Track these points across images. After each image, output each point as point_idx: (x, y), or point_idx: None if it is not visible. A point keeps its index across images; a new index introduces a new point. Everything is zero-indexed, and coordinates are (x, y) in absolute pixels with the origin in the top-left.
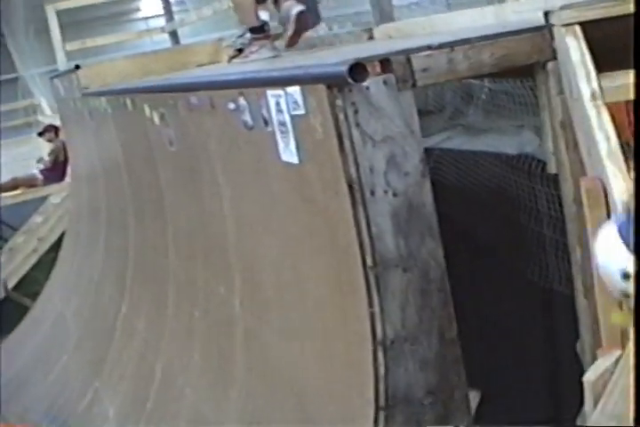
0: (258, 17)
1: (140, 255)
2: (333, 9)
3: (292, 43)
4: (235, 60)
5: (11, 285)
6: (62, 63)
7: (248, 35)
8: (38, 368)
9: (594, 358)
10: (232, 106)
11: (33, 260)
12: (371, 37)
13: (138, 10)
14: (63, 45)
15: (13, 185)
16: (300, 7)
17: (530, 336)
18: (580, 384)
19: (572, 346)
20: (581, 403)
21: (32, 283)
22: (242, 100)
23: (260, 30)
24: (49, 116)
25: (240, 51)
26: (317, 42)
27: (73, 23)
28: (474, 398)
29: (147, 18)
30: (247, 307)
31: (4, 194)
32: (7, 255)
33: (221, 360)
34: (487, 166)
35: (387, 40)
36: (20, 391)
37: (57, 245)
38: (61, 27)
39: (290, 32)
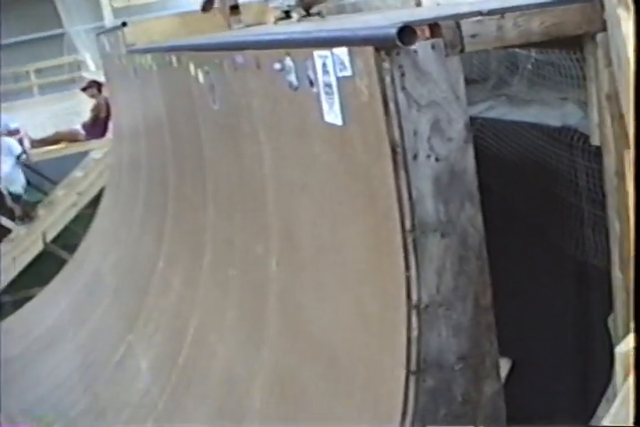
0: None
1: (178, 212)
2: None
3: None
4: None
5: (49, 237)
6: (109, 20)
7: None
8: (75, 319)
9: (626, 331)
10: (278, 66)
11: (72, 213)
12: (419, 4)
13: None
14: (110, 2)
15: (56, 139)
16: None
17: (562, 308)
18: (610, 357)
19: (604, 319)
20: (610, 376)
21: (70, 236)
22: (288, 61)
23: None
24: (93, 73)
25: (287, 13)
26: (364, 6)
27: None
28: (504, 365)
29: None
30: (283, 267)
31: (46, 148)
32: (47, 208)
33: (255, 319)
34: (529, 137)
35: (435, 7)
36: (53, 344)
37: (96, 201)
38: None
39: None
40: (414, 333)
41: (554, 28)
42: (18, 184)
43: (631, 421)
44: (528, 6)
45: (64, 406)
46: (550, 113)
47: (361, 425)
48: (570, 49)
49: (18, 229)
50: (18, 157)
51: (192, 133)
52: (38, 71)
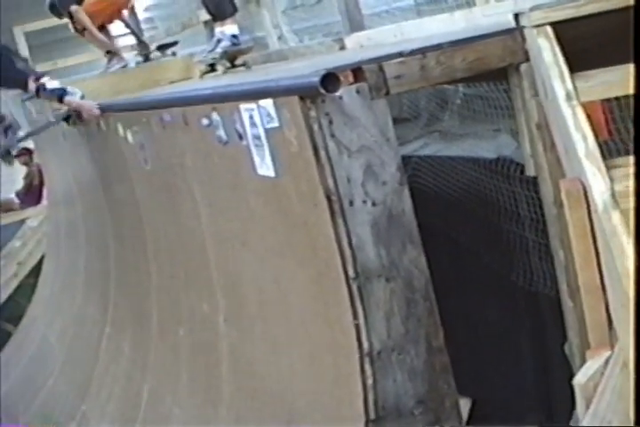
0: None
1: (121, 275)
2: (305, 20)
3: None
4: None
5: None
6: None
7: (219, 49)
8: (25, 392)
9: (583, 360)
10: (205, 121)
11: (13, 284)
12: (342, 47)
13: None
14: (33, 66)
15: None
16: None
17: (517, 340)
18: (571, 386)
19: (561, 348)
20: (573, 405)
21: (14, 308)
22: (215, 116)
23: None
24: None
25: (212, 66)
26: (289, 53)
27: (42, 44)
28: (465, 405)
29: (117, 36)
30: (231, 323)
31: None
32: None
33: (209, 378)
34: (465, 171)
35: (358, 49)
36: (7, 415)
37: (37, 269)
38: (30, 48)
39: None
40: (369, 380)
41: (477, 62)
42: None
43: (631, 421)
44: (449, 43)
45: None
46: (484, 145)
47: None
48: (496, 80)
49: None
50: None
51: (127, 195)
52: None
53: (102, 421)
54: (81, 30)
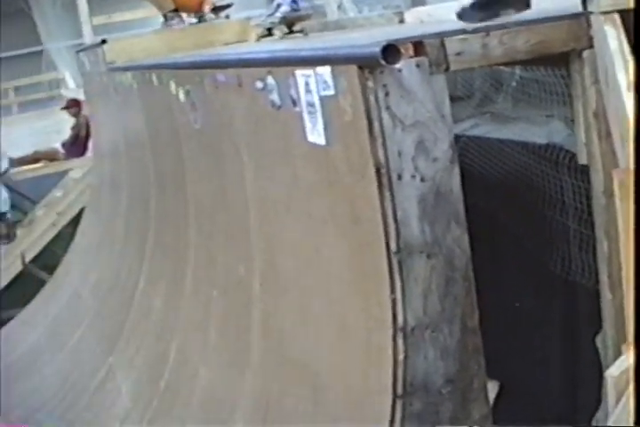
0: None
1: (160, 232)
2: None
3: None
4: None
5: (28, 258)
6: (88, 37)
7: (278, 14)
8: (53, 342)
9: (616, 353)
10: (260, 85)
11: (51, 234)
12: (401, 21)
13: None
14: (90, 19)
15: (34, 158)
16: None
17: (550, 328)
18: (599, 378)
19: (592, 339)
20: (599, 397)
21: (50, 256)
22: (270, 79)
23: None
24: (72, 90)
25: (269, 30)
26: (347, 23)
27: None
28: (492, 388)
29: None
30: (266, 288)
31: (24, 167)
32: (26, 228)
33: (238, 341)
34: (514, 155)
35: (418, 24)
36: (32, 367)
37: (76, 220)
38: (88, 0)
39: None
40: (400, 356)
41: (539, 45)
42: (1, 202)
43: (632, 421)
44: (514, 24)
45: None
46: (535, 130)
47: None
48: (555, 66)
49: None
50: (3, 176)
51: (174, 152)
52: (17, 89)
53: (128, 375)
54: None
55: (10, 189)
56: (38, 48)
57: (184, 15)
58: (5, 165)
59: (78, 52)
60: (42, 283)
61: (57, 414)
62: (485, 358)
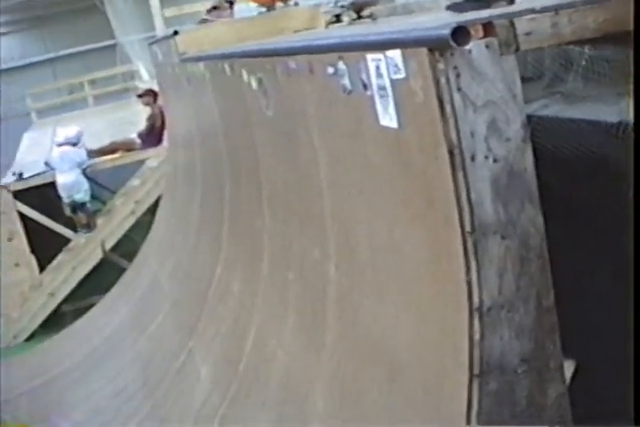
0: None
1: (235, 218)
2: None
3: None
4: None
5: (108, 246)
6: (160, 29)
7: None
8: (134, 328)
9: None
10: (331, 70)
11: (130, 222)
12: None
13: None
14: (161, 12)
15: (112, 149)
16: None
17: (624, 308)
18: None
19: None
20: None
21: (129, 244)
22: (341, 65)
23: None
24: (146, 82)
25: (338, 16)
26: (415, 7)
27: None
28: (569, 367)
29: None
30: (342, 271)
31: (102, 158)
32: (105, 217)
33: (314, 324)
34: (585, 134)
35: None
36: (113, 352)
37: (153, 208)
38: None
39: None
40: (476, 336)
41: (608, 23)
42: (82, 192)
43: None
44: (583, 2)
45: (124, 414)
46: (606, 109)
47: None
48: (624, 44)
49: (77, 239)
50: (85, 168)
51: (246, 140)
52: (92, 82)
53: (207, 359)
54: None
55: (89, 179)
56: (112, 42)
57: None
58: (84, 157)
59: (151, 44)
60: (122, 270)
61: (139, 397)
62: (561, 338)
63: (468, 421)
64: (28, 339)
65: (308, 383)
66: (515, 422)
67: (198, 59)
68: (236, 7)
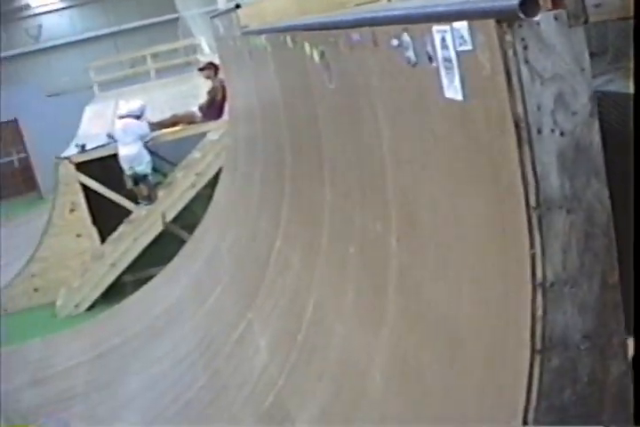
0: None
1: (295, 191)
2: None
3: None
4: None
5: (169, 218)
6: (222, 3)
7: None
8: (194, 299)
9: None
10: (395, 42)
11: (191, 194)
12: None
13: None
14: None
15: (173, 122)
16: None
17: None
18: None
19: None
20: None
21: (189, 216)
22: (405, 37)
23: None
24: (208, 56)
25: None
26: None
27: None
28: (631, 346)
29: None
30: (403, 245)
31: (164, 130)
32: (166, 190)
33: (374, 298)
34: None
35: None
36: (174, 322)
37: (214, 181)
38: None
39: None
40: (539, 311)
41: None
42: (144, 164)
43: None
44: None
45: (184, 382)
46: None
47: (483, 405)
48: None
49: (138, 211)
50: (147, 141)
51: (308, 113)
52: (155, 56)
53: (265, 331)
54: None
55: (150, 152)
56: (174, 16)
57: None
58: (147, 129)
59: (212, 17)
60: (182, 242)
61: (198, 366)
62: (624, 316)
63: (529, 397)
64: (90, 308)
65: (367, 358)
66: (575, 399)
67: (260, 32)
68: None
